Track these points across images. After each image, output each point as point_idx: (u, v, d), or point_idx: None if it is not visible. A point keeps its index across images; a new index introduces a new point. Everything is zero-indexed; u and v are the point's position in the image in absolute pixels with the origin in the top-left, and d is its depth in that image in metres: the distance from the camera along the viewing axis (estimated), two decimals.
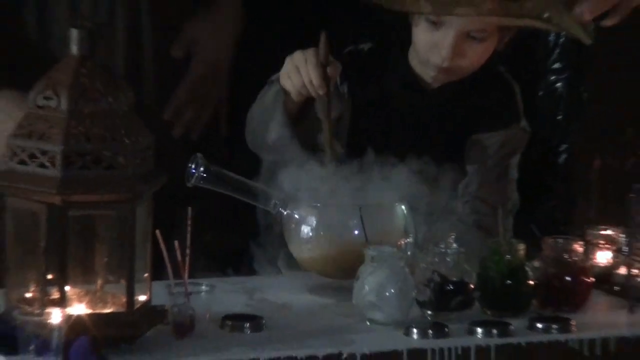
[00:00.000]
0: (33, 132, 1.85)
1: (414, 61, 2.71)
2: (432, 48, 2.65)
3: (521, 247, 2.21)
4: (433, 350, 1.96)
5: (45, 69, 2.08)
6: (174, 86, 3.09)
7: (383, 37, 2.93)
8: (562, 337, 2.03)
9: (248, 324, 2.03)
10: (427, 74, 2.70)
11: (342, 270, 2.26)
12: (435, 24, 2.63)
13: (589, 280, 2.26)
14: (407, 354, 1.94)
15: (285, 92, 2.57)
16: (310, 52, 2.51)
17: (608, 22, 2.69)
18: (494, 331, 2.02)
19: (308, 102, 2.55)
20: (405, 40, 2.75)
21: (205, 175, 2.36)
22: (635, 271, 2.29)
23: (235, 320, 2.05)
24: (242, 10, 3.16)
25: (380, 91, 2.80)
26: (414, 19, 2.69)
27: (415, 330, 1.99)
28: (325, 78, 2.48)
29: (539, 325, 2.05)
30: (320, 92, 2.48)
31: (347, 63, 2.69)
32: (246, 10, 3.18)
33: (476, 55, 2.68)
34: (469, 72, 2.72)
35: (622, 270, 2.35)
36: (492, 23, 2.66)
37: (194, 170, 2.35)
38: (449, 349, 1.98)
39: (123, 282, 1.89)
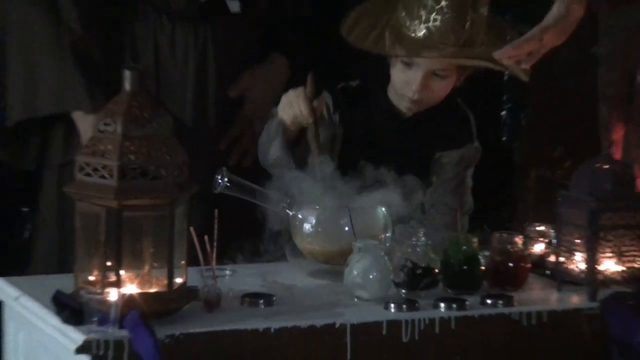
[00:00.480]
0: (96, 151, 2.06)
1: (391, 95, 2.95)
2: (405, 84, 2.90)
3: (475, 240, 2.43)
4: (406, 321, 2.15)
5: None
6: (229, 122, 3.31)
7: (368, 76, 3.14)
8: (506, 310, 2.26)
9: (262, 301, 2.24)
10: (402, 105, 2.95)
11: (335, 259, 2.48)
12: (408, 65, 2.88)
13: (526, 266, 2.47)
14: (386, 324, 2.15)
15: (283, 122, 2.83)
16: (300, 90, 2.78)
17: (524, 66, 2.83)
18: (454, 306, 2.23)
19: (302, 129, 2.80)
20: (385, 79, 2.97)
21: (228, 184, 2.59)
22: (562, 259, 2.47)
23: (252, 298, 2.26)
24: (289, 65, 3.36)
25: (365, 119, 3.03)
26: (392, 61, 2.94)
27: (392, 305, 2.20)
28: (312, 110, 2.75)
29: (488, 301, 2.28)
30: (310, 121, 2.75)
31: (339, 96, 2.98)
32: (291, 65, 3.38)
33: (440, 90, 2.93)
34: (434, 103, 2.96)
35: (552, 258, 2.56)
36: (452, 64, 2.91)
37: (220, 181, 2.58)
38: (419, 320, 2.16)
39: (165, 268, 2.09)
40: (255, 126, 3.22)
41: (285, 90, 2.97)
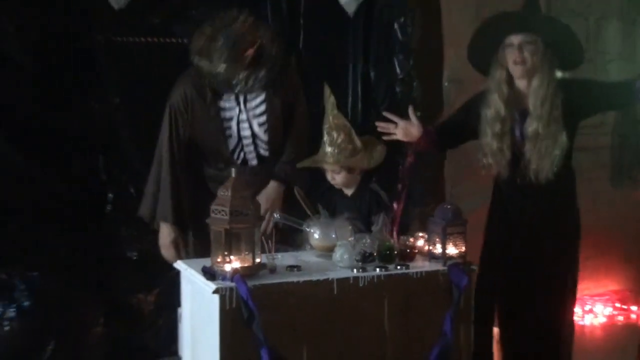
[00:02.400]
0: (219, 204, 2.62)
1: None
2: (328, 179, 3.38)
3: (391, 240, 2.95)
4: (362, 277, 2.72)
5: None
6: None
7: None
8: (406, 271, 2.83)
9: (295, 269, 2.77)
10: (341, 189, 3.39)
11: (328, 249, 2.94)
12: (326, 170, 3.36)
13: (415, 251, 2.98)
14: (352, 278, 2.71)
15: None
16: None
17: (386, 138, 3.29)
18: (383, 269, 2.79)
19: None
20: None
21: (279, 217, 3.21)
22: (431, 248, 2.94)
23: (290, 267, 2.79)
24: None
25: (330, 198, 3.45)
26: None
27: (355, 270, 2.76)
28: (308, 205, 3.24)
29: (398, 267, 2.83)
30: (307, 210, 3.21)
31: (321, 192, 3.48)
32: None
33: (346, 180, 3.36)
34: (355, 187, 3.38)
35: (427, 247, 2.98)
36: (340, 166, 3.31)
37: (276, 215, 3.21)
38: (367, 276, 2.73)
39: (250, 254, 2.64)
40: (266, 218, 3.32)
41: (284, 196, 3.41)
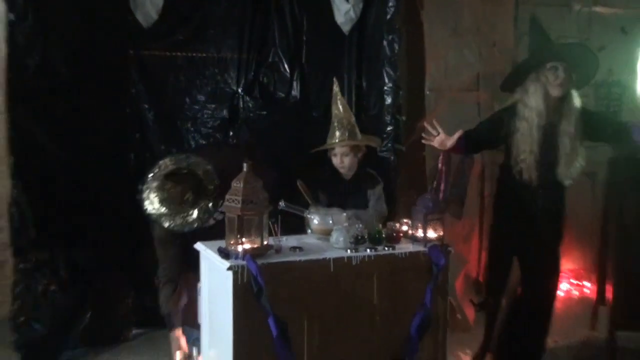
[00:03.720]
0: (232, 194, 2.59)
1: (337, 169, 3.42)
2: (336, 163, 3.42)
3: (381, 227, 2.93)
4: (355, 257, 2.71)
5: None
6: None
7: (330, 166, 3.48)
8: (392, 251, 2.82)
9: (297, 249, 2.75)
10: (342, 173, 3.43)
11: (326, 233, 2.92)
12: (335, 155, 3.41)
13: (400, 235, 2.95)
14: (346, 257, 2.70)
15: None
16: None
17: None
18: (373, 250, 2.78)
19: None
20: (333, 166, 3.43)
21: (284, 206, 3.06)
22: (414, 232, 2.94)
23: (294, 249, 2.76)
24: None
25: (331, 183, 3.45)
26: (330, 153, 3.43)
27: (349, 250, 2.75)
28: (309, 195, 3.21)
29: (386, 248, 2.81)
30: (308, 199, 3.17)
31: (323, 175, 3.48)
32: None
33: (352, 162, 3.41)
34: (354, 170, 3.43)
35: (410, 231, 2.96)
36: (351, 147, 3.36)
37: (281, 204, 3.05)
38: (360, 256, 2.73)
39: (259, 237, 2.60)
40: None
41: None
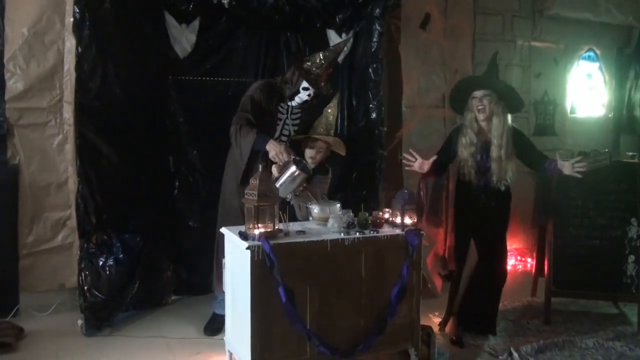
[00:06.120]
0: (250, 189, 2.54)
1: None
2: (310, 154, 3.30)
3: (367, 214, 2.82)
4: (347, 239, 2.66)
5: None
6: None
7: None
8: (376, 234, 2.74)
9: (302, 233, 2.69)
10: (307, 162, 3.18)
11: (324, 220, 2.86)
12: (312, 149, 3.28)
13: (382, 221, 2.86)
14: (340, 239, 2.66)
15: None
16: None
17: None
18: (361, 233, 2.72)
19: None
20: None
21: (294, 199, 3.05)
22: (393, 219, 2.87)
23: (299, 232, 2.71)
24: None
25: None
26: (307, 145, 3.29)
27: (342, 233, 2.69)
28: (312, 192, 3.12)
29: (371, 232, 2.74)
30: (310, 195, 3.08)
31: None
32: None
33: (321, 158, 3.33)
34: (319, 164, 3.34)
35: (391, 219, 2.88)
36: (328, 143, 3.25)
37: (291, 197, 3.02)
38: (351, 238, 2.67)
39: (271, 223, 2.57)
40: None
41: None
